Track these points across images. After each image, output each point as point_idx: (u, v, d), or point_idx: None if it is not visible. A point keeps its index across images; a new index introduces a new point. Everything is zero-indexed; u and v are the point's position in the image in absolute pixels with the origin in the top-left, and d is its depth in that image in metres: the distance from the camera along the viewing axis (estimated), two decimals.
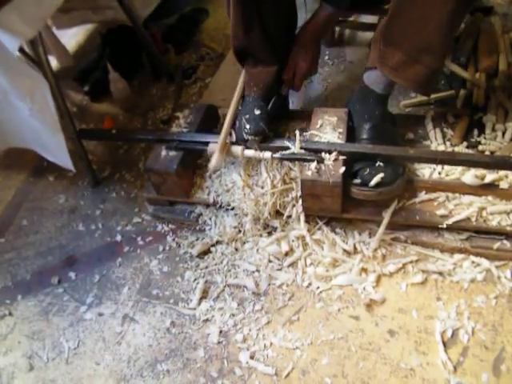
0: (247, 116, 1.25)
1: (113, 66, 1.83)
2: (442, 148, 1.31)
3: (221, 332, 1.18)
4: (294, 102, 1.66)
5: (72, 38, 2.36)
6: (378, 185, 1.15)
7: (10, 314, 1.34)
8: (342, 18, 1.78)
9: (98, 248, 1.45)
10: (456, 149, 1.31)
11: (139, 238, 1.43)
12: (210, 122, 1.44)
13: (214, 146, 1.23)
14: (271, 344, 1.14)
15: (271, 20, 1.23)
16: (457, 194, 1.22)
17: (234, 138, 1.27)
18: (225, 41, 2.10)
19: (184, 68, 2.01)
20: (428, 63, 1.11)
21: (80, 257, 1.44)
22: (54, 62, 2.16)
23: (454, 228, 1.20)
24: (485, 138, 1.32)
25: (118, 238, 1.45)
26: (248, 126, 1.23)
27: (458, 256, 1.20)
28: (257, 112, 1.26)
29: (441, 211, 1.19)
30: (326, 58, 1.85)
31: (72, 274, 1.39)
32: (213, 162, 1.21)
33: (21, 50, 1.33)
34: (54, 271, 1.42)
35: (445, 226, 1.18)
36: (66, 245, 1.48)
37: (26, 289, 1.39)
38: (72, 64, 2.11)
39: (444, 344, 1.07)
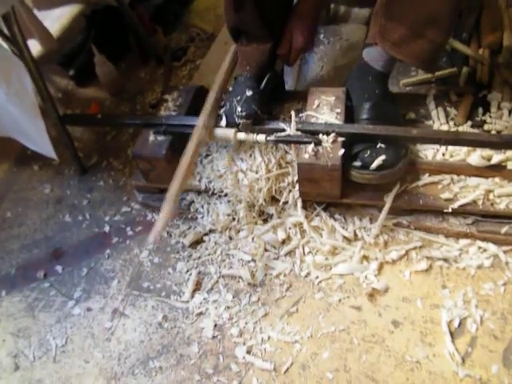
0: (238, 97, 1.19)
1: (98, 49, 1.74)
2: (445, 128, 1.24)
3: (215, 326, 1.12)
4: (288, 82, 1.58)
5: (56, 20, 2.26)
6: (379, 167, 1.09)
7: None
8: None
9: (85, 240, 1.38)
10: (460, 128, 1.24)
11: (128, 228, 1.36)
12: (200, 104, 1.35)
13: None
14: (269, 338, 1.08)
15: None
16: (462, 176, 1.16)
17: (223, 122, 1.19)
18: (216, 21, 2.02)
19: (173, 49, 1.92)
20: (433, 37, 1.04)
21: (67, 249, 1.37)
22: (37, 46, 2.08)
23: (460, 212, 1.14)
24: (490, 117, 1.25)
25: (107, 228, 1.38)
26: (239, 109, 1.16)
27: (463, 241, 1.14)
28: (248, 93, 1.19)
29: (445, 194, 1.13)
30: (322, 36, 1.77)
31: (59, 268, 1.33)
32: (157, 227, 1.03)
33: None
34: (40, 265, 1.35)
35: (450, 210, 1.12)
36: (52, 237, 1.41)
37: (11, 284, 1.32)
38: (56, 47, 2.01)
39: (451, 334, 1.02)
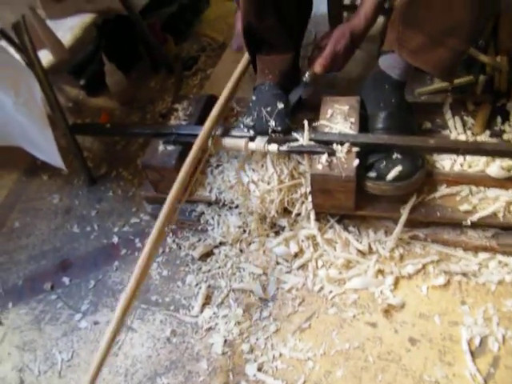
0: (268, 109, 1.14)
1: (109, 58, 1.74)
2: (462, 137, 1.20)
3: (225, 342, 1.09)
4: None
5: (68, 31, 2.24)
6: (395, 178, 1.05)
7: (0, 323, 1.25)
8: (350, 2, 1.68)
9: (93, 251, 1.36)
10: (478, 138, 1.20)
11: (137, 240, 1.34)
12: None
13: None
14: (280, 354, 1.04)
15: (286, 3, 1.13)
16: (481, 188, 1.12)
17: (241, 130, 1.17)
18: (227, 30, 2.00)
19: (184, 59, 1.92)
20: (453, 46, 1.01)
21: (74, 260, 1.35)
22: (48, 56, 2.08)
23: (479, 225, 1.09)
24: (510, 126, 1.21)
25: (115, 239, 1.36)
26: (273, 123, 1.12)
27: (483, 255, 1.10)
28: (280, 105, 1.15)
29: (464, 206, 1.08)
30: None
31: (66, 280, 1.30)
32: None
33: (7, 38, 1.25)
34: (47, 276, 1.33)
35: (469, 222, 1.07)
36: (60, 248, 1.39)
37: (18, 295, 1.30)
38: (67, 57, 2.01)
39: (472, 353, 0.97)
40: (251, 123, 1.16)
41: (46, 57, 2.06)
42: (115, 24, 1.88)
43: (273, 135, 1.12)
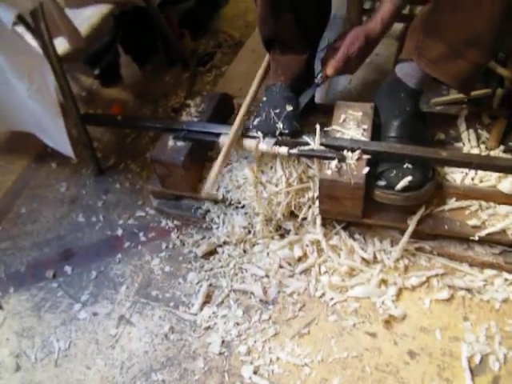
0: (277, 111, 1.13)
1: (125, 50, 1.74)
2: (475, 151, 1.19)
3: (223, 342, 1.08)
4: (316, 94, 1.54)
5: (86, 20, 2.25)
6: (404, 189, 1.04)
7: (1, 307, 1.25)
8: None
9: (97, 242, 1.36)
10: (492, 153, 1.19)
11: (141, 234, 1.34)
12: (223, 111, 1.34)
13: (225, 138, 1.12)
14: (278, 359, 1.03)
15: (303, 3, 1.12)
16: (491, 203, 1.10)
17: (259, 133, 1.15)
18: (244, 28, 2.00)
19: (200, 55, 1.91)
20: (473, 58, 0.99)
21: (78, 250, 1.35)
22: (64, 44, 2.08)
23: (487, 241, 1.08)
24: None
25: (119, 232, 1.36)
26: (281, 125, 1.11)
27: (489, 272, 1.08)
28: (289, 108, 1.14)
29: (473, 221, 1.07)
30: None
31: (68, 269, 1.30)
32: (209, 181, 1.08)
33: (25, 24, 1.25)
34: (50, 264, 1.33)
35: (476, 237, 1.06)
36: (64, 236, 1.39)
37: (20, 281, 1.31)
38: (83, 46, 2.01)
39: (471, 371, 0.96)
40: (259, 124, 1.14)
41: (62, 44, 2.08)
42: (133, 16, 1.88)
43: (280, 138, 1.11)
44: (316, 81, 1.21)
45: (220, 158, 1.08)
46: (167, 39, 1.83)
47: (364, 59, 1.20)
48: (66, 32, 1.95)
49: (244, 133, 1.15)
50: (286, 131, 1.11)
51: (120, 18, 1.90)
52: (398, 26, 1.71)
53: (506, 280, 1.07)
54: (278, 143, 1.11)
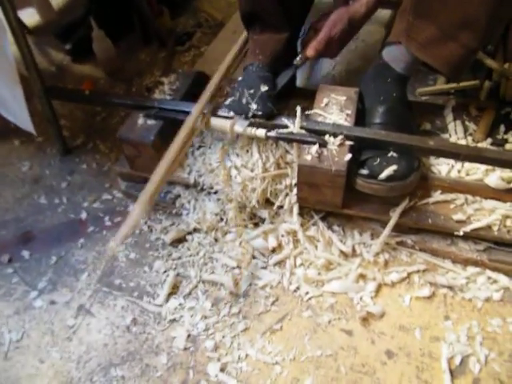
0: (252, 91, 1.07)
1: (99, 24, 1.63)
2: (462, 143, 1.14)
3: (189, 336, 1.00)
4: (298, 78, 1.47)
5: None
6: (388, 178, 0.98)
7: None
8: None
9: (58, 225, 1.26)
10: (479, 145, 1.14)
11: (107, 218, 1.25)
12: (198, 91, 1.24)
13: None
14: (247, 356, 0.96)
15: None
16: (477, 198, 1.05)
17: (223, 111, 1.08)
18: (227, 8, 1.92)
19: (178, 34, 1.82)
20: (466, 42, 0.94)
21: (37, 233, 1.25)
22: (35, 16, 1.97)
23: (471, 236, 1.03)
24: None
25: (83, 215, 1.27)
26: (255, 106, 1.04)
27: (472, 269, 1.03)
28: (263, 88, 1.07)
29: (458, 216, 1.02)
30: None
31: (26, 253, 1.21)
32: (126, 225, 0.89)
33: None
34: (6, 248, 1.23)
35: (461, 233, 1.01)
36: (24, 218, 1.29)
37: None
38: (55, 19, 1.91)
39: (451, 373, 0.90)
40: (231, 104, 1.08)
41: (31, 16, 1.97)
42: None
43: (253, 119, 1.04)
44: (295, 62, 1.14)
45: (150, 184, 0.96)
46: (144, 15, 1.73)
47: (346, 43, 1.15)
48: (37, 3, 1.84)
49: (213, 112, 1.07)
50: (260, 113, 1.04)
51: None
52: (386, 14, 1.65)
53: (490, 278, 1.02)
54: (252, 125, 1.03)
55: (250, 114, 1.04)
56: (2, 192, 1.37)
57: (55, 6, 1.99)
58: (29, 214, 1.31)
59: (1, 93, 1.15)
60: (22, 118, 1.19)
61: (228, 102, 1.10)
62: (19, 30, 1.15)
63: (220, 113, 1.08)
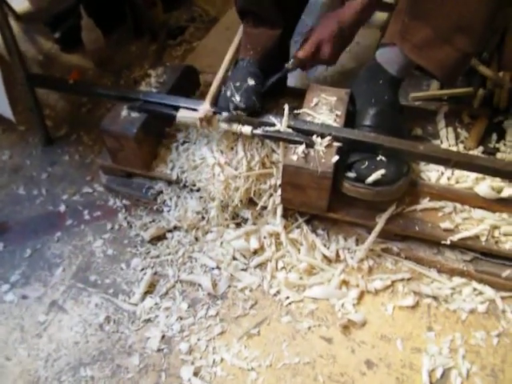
0: (238, 84, 1.03)
1: (90, 14, 1.59)
2: (454, 150, 1.11)
3: (163, 337, 0.97)
4: (292, 78, 1.44)
5: None
6: (376, 182, 0.95)
7: None
8: None
9: (36, 217, 1.22)
10: (470, 153, 1.11)
11: (86, 212, 1.21)
12: (186, 85, 1.22)
13: (184, 113, 1.00)
14: (222, 360, 0.93)
15: None
16: (466, 207, 1.03)
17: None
18: (221, 4, 1.88)
19: (171, 27, 1.78)
20: (461, 46, 0.91)
21: (13, 225, 1.21)
22: (25, 2, 1.92)
23: (458, 246, 1.00)
24: (505, 145, 1.14)
25: (62, 208, 1.23)
26: (238, 98, 1.00)
27: (458, 280, 1.01)
28: (250, 82, 1.04)
29: (445, 224, 0.99)
30: None
31: (0, 245, 1.16)
32: None
33: None
34: None
35: (448, 242, 0.98)
36: (1, 209, 1.25)
37: None
38: (46, 6, 1.86)
39: None
40: (218, 99, 1.05)
41: (21, 3, 1.92)
42: None
43: (234, 112, 1.00)
44: (287, 65, 1.11)
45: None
46: (136, 7, 1.70)
47: (341, 48, 1.12)
48: None
49: None
50: (243, 105, 0.99)
51: None
52: (382, 16, 1.63)
53: (475, 290, 1.00)
54: (239, 121, 1.00)
55: (232, 107, 1.01)
56: None
57: None
58: (6, 204, 1.26)
59: None
60: (0, 104, 1.14)
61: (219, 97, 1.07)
62: (1, 14, 1.11)
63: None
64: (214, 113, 1.02)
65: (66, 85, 1.19)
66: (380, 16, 1.64)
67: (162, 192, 1.14)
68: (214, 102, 1.05)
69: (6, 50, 1.16)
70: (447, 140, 1.15)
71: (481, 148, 1.13)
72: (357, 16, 1.06)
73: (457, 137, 1.16)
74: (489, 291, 0.99)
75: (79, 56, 1.72)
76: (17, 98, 1.43)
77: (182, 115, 1.02)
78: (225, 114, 1.00)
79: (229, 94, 1.01)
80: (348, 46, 1.14)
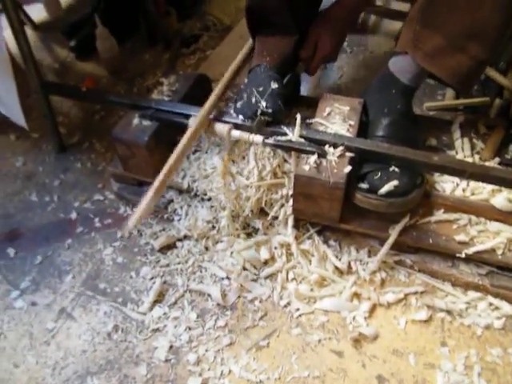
0: (261, 89, 1.02)
1: (105, 23, 1.61)
2: (469, 160, 1.09)
3: (171, 347, 0.96)
4: (305, 87, 1.43)
5: None
6: (389, 194, 0.93)
7: None
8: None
9: (47, 224, 1.22)
10: (486, 164, 1.09)
11: (97, 219, 1.21)
12: (199, 94, 1.20)
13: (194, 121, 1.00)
14: (230, 372, 0.91)
15: None
16: (482, 219, 1.00)
17: (230, 115, 1.04)
18: (235, 13, 1.88)
19: (185, 36, 1.78)
20: (474, 53, 0.89)
21: (25, 231, 1.21)
22: (43, 12, 1.95)
23: (474, 259, 0.98)
24: None
25: (73, 215, 1.23)
26: (264, 103, 0.99)
27: (473, 294, 0.98)
28: (274, 86, 1.02)
29: (460, 237, 0.97)
30: (345, 44, 1.62)
31: (11, 251, 1.17)
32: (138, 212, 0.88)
33: None
34: None
35: (463, 255, 0.96)
36: (13, 215, 1.26)
37: None
38: (62, 16, 1.89)
39: None
40: (241, 107, 1.03)
41: (40, 12, 1.95)
42: None
43: (262, 118, 0.99)
44: (298, 68, 1.12)
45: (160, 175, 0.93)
46: (150, 16, 1.71)
47: (338, 39, 1.14)
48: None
49: (218, 116, 1.03)
50: (270, 110, 0.98)
51: None
52: (396, 25, 1.62)
53: (491, 305, 0.97)
54: (250, 131, 0.99)
55: (259, 112, 0.99)
56: None
57: (63, 3, 1.97)
58: (18, 210, 1.27)
59: None
60: (14, 111, 1.15)
61: (238, 105, 1.05)
62: (18, 23, 1.12)
63: (228, 118, 1.04)
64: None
65: (80, 93, 1.20)
66: (394, 25, 1.63)
67: (172, 201, 1.14)
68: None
69: (22, 59, 1.17)
70: (462, 151, 1.13)
71: (497, 159, 1.10)
72: (352, 10, 1.10)
73: (472, 147, 1.13)
74: (506, 306, 0.96)
75: (94, 64, 1.73)
76: (31, 106, 1.46)
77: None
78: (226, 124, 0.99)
79: (253, 100, 1.00)
80: (345, 37, 1.18)
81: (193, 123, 0.99)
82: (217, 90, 1.04)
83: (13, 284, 1.11)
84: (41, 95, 1.26)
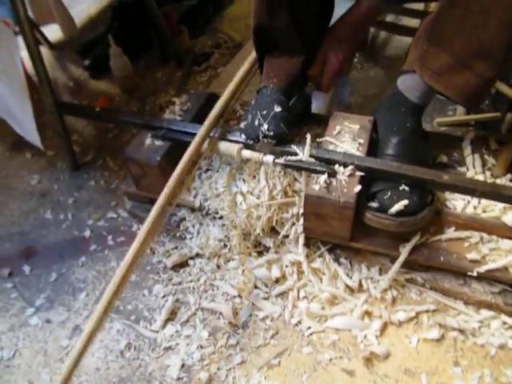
0: (264, 112, 1.04)
1: (118, 42, 1.64)
2: (480, 177, 1.08)
3: (183, 366, 0.96)
4: (318, 106, 1.44)
5: (84, 10, 2.19)
6: (399, 213, 0.93)
7: None
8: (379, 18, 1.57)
9: (62, 241, 1.25)
10: (497, 181, 1.08)
11: (110, 237, 1.23)
12: (209, 112, 1.23)
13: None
14: None
15: (304, 4, 1.03)
16: (494, 237, 1.00)
17: (242, 136, 1.06)
18: (246, 30, 1.91)
19: (196, 54, 1.81)
20: (481, 71, 0.90)
21: (40, 249, 1.24)
22: (58, 32, 1.99)
23: (486, 277, 0.97)
24: None
25: (87, 233, 1.25)
26: (266, 126, 1.01)
27: (485, 313, 0.97)
28: (277, 109, 1.04)
29: (472, 255, 0.96)
30: (355, 60, 1.63)
31: (26, 268, 1.19)
32: None
33: None
34: (8, 261, 1.21)
35: (475, 273, 0.95)
36: (28, 233, 1.28)
37: None
38: (76, 35, 1.93)
39: None
40: (244, 128, 1.05)
41: (55, 32, 2.00)
42: (131, 8, 1.79)
43: (265, 140, 1.01)
44: (307, 88, 1.13)
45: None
46: (163, 35, 1.74)
47: (348, 53, 1.13)
48: (60, 19, 1.86)
49: (222, 136, 1.05)
50: (271, 133, 1.00)
51: (117, 8, 1.82)
52: (407, 41, 1.63)
53: (505, 323, 0.96)
54: (261, 151, 1.00)
55: (261, 135, 1.01)
56: (10, 204, 1.36)
57: (78, 23, 2.01)
58: (33, 228, 1.29)
59: (9, 104, 1.14)
60: (29, 131, 1.18)
61: (242, 125, 1.08)
62: (34, 43, 1.15)
63: (231, 137, 1.06)
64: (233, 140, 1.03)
65: (93, 113, 1.22)
66: (406, 40, 1.64)
67: (184, 219, 1.15)
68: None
69: (37, 79, 1.20)
70: (473, 167, 1.12)
71: (509, 175, 1.09)
72: (357, 25, 1.09)
73: (484, 164, 1.13)
74: None
75: (107, 82, 1.76)
76: (46, 124, 1.49)
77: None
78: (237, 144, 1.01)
79: (256, 123, 1.02)
80: (355, 52, 1.18)
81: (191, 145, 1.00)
82: (215, 110, 1.05)
83: (28, 301, 1.12)
84: (55, 115, 1.28)
